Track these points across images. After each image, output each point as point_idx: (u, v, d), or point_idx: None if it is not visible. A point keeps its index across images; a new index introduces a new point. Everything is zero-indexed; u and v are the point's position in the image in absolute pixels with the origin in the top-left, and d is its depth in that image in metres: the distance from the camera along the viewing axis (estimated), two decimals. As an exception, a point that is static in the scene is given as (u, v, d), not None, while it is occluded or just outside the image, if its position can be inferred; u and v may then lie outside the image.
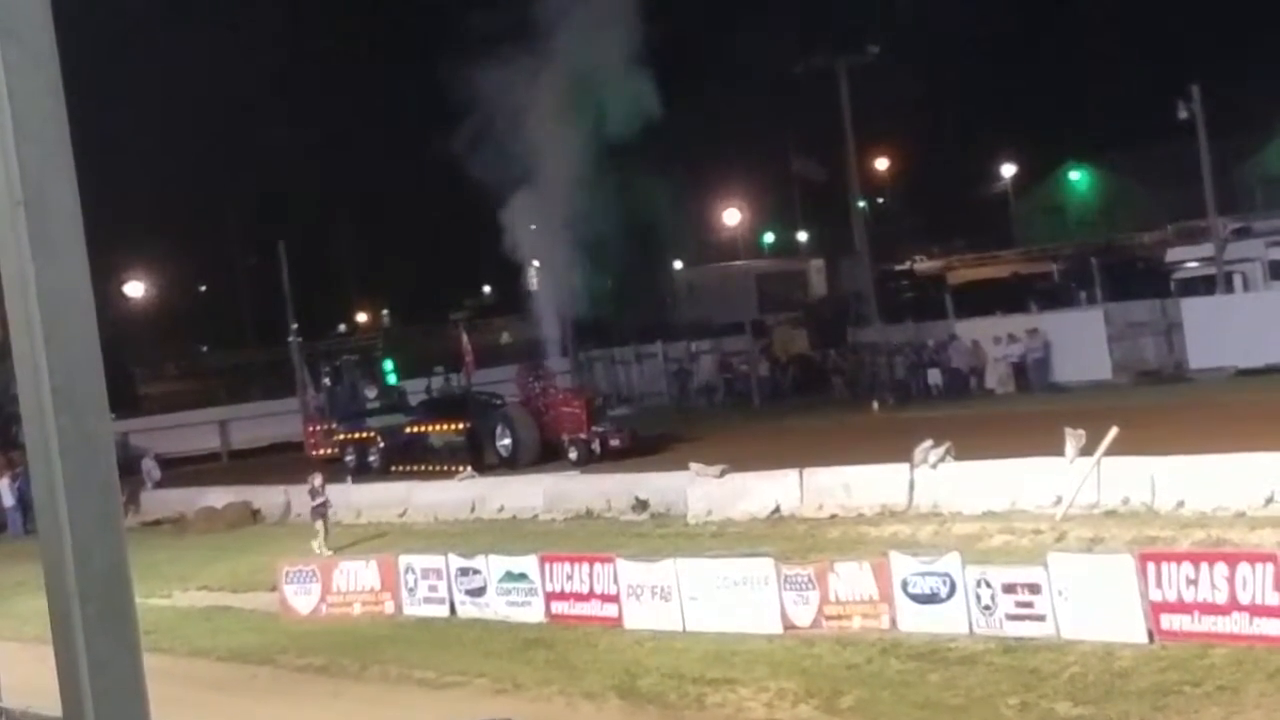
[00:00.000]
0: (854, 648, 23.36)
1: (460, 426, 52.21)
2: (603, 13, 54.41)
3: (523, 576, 28.95)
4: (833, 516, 33.66)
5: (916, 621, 23.62)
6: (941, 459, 33.10)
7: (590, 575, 27.90)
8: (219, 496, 48.96)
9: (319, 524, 39.12)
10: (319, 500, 39.72)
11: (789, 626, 24.83)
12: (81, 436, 5.27)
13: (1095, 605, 21.75)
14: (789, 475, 35.01)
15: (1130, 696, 19.50)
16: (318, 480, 40.45)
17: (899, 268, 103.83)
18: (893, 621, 23.93)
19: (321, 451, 57.70)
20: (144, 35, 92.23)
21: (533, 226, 57.47)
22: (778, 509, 34.81)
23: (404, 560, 31.37)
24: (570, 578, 28.24)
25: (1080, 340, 54.07)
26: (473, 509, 41.70)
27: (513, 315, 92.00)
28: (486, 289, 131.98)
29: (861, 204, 76.26)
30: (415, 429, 54.08)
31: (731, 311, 73.93)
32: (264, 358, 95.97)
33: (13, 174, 5.24)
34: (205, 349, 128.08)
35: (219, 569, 38.95)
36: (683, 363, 68.18)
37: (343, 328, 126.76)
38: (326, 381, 60.04)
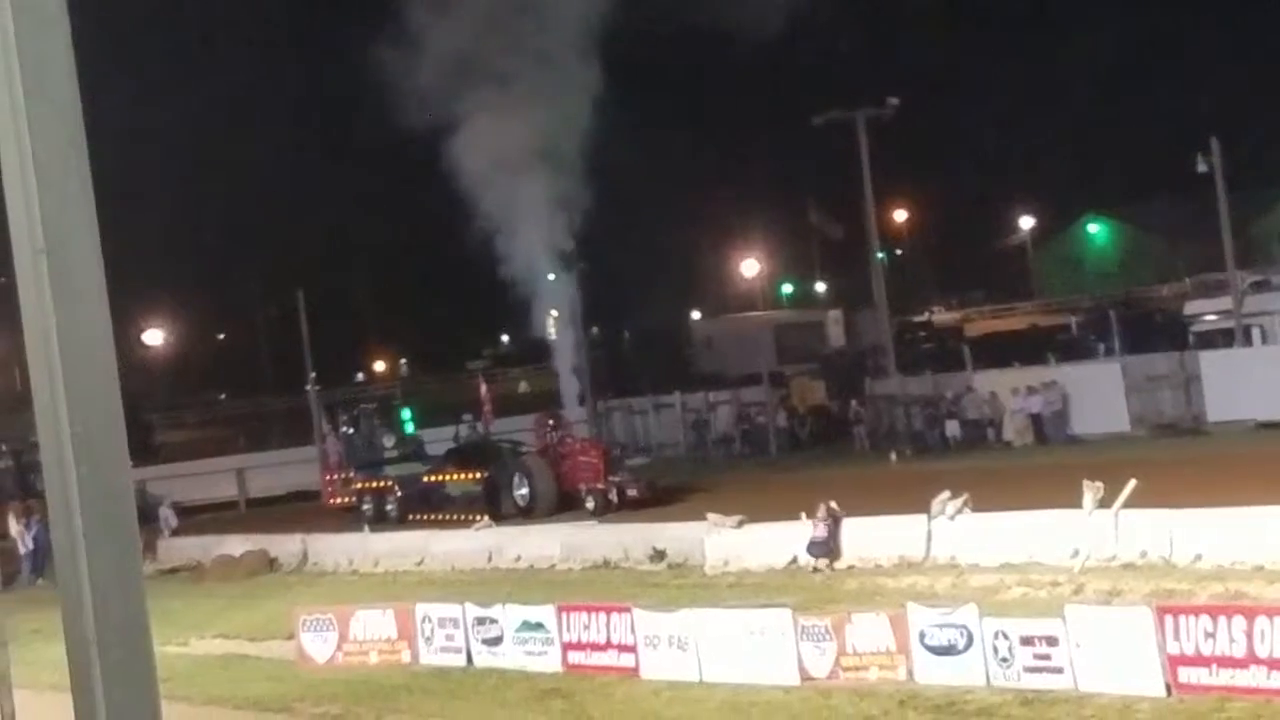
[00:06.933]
0: (871, 699, 23.31)
1: (478, 476, 52.12)
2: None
3: (540, 626, 28.93)
4: (850, 567, 33.62)
5: (934, 673, 23.58)
6: (959, 510, 33.06)
7: (607, 625, 27.88)
8: (236, 545, 48.91)
9: (820, 562, 34.19)
10: (825, 524, 34.24)
11: (806, 678, 24.79)
12: (101, 485, 5.28)
13: (1113, 658, 21.70)
14: (806, 526, 34.95)
15: (1148, 750, 19.46)
16: (828, 507, 34.56)
17: (917, 319, 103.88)
18: (910, 673, 23.88)
19: (338, 500, 57.65)
20: (166, 87, 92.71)
21: (550, 277, 57.56)
22: (795, 560, 34.76)
23: (421, 609, 31.34)
24: (587, 627, 28.22)
25: (1098, 392, 53.97)
26: (490, 558, 41.62)
27: (530, 365, 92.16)
28: (505, 338, 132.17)
29: (880, 255, 76.28)
30: (433, 478, 54.01)
31: (749, 362, 73.87)
32: (282, 406, 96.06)
33: (35, 223, 5.27)
34: (223, 397, 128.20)
35: (236, 617, 38.90)
36: (700, 413, 68.06)
37: (361, 376, 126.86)
38: (344, 430, 59.99)
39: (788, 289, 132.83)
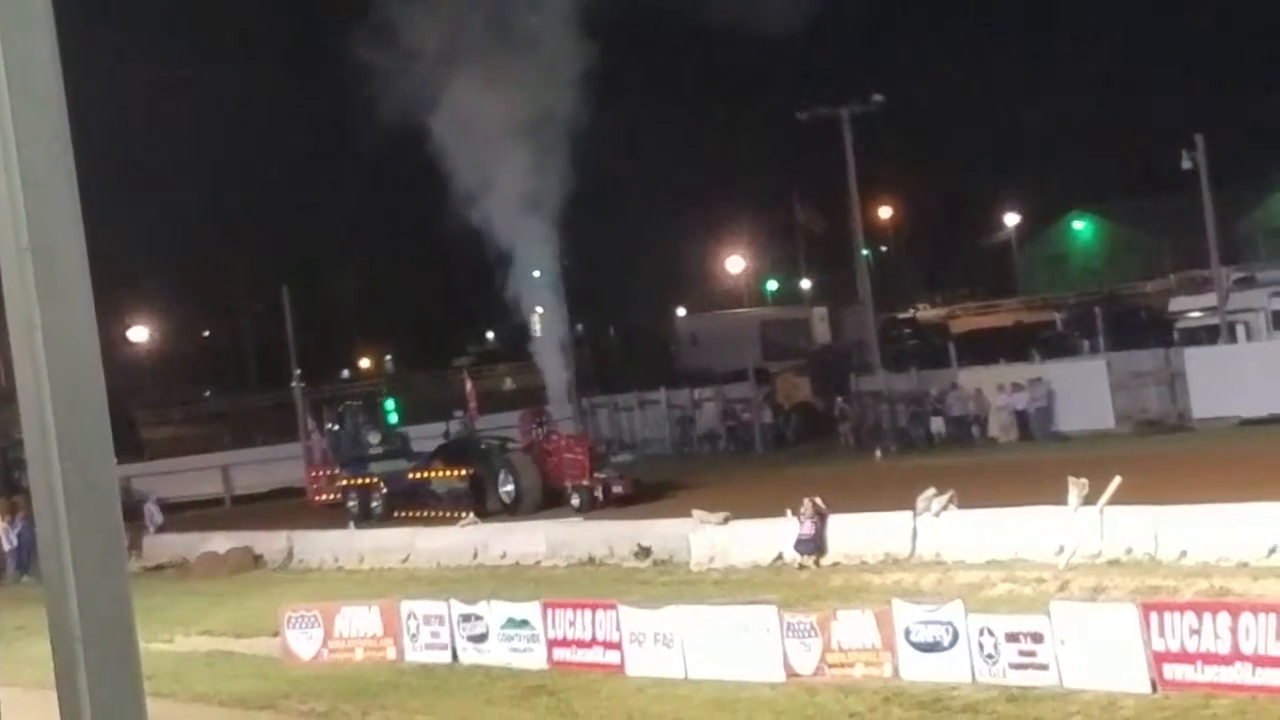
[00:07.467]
0: (856, 696, 23.32)
1: (463, 473, 52.12)
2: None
3: (525, 623, 28.92)
4: (835, 564, 33.63)
5: (919, 670, 23.59)
6: (944, 507, 33.09)
7: (593, 622, 27.88)
8: (221, 541, 48.88)
9: (808, 559, 34.52)
10: (812, 521, 34.69)
11: (791, 674, 24.80)
12: (86, 482, 5.27)
13: (1098, 654, 21.73)
14: (791, 523, 34.96)
15: (1133, 746, 19.47)
16: (813, 504, 34.88)
17: (902, 316, 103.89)
18: (895, 670, 23.90)
19: (324, 497, 57.58)
20: (150, 84, 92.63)
21: (535, 274, 57.50)
22: (780, 556, 34.77)
23: (406, 606, 31.33)
24: (573, 624, 28.22)
25: (1083, 389, 53.98)
26: (475, 555, 41.64)
27: (516, 362, 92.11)
28: (490, 335, 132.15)
29: (865, 252, 76.31)
30: (418, 475, 53.97)
31: (735, 359, 73.80)
32: (267, 403, 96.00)
33: (20, 220, 5.25)
34: (208, 394, 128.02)
35: (221, 614, 38.87)
36: (685, 410, 68.08)
37: (346, 373, 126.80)
38: (330, 427, 59.91)
39: (773, 286, 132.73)
